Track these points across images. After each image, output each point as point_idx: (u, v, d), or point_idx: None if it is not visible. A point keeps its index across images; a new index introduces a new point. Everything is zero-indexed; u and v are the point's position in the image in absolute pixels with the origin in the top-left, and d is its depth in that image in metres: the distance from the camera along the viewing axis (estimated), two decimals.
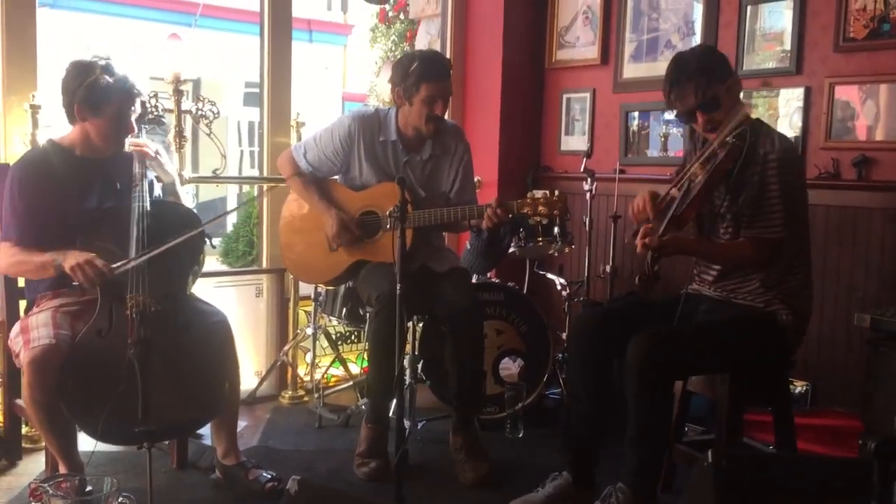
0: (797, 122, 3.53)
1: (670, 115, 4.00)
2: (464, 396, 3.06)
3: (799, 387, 3.41)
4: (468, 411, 3.09)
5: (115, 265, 2.40)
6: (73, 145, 2.63)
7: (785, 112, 3.56)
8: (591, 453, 2.65)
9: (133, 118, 2.64)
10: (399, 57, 3.15)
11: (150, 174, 2.71)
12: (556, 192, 2.89)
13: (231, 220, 9.41)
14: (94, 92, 2.55)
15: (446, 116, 4.42)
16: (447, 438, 3.07)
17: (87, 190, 2.62)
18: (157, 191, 2.77)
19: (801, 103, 3.52)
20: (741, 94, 2.65)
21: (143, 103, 2.71)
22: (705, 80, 2.48)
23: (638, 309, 2.65)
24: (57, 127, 2.77)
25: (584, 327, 2.68)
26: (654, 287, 2.35)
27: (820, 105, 3.46)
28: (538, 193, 2.91)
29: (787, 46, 3.56)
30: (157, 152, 2.74)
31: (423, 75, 2.96)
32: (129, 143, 2.67)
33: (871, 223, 3.31)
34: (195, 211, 2.98)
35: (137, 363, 2.27)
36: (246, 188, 8.59)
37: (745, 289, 2.54)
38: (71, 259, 2.40)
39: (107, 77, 2.56)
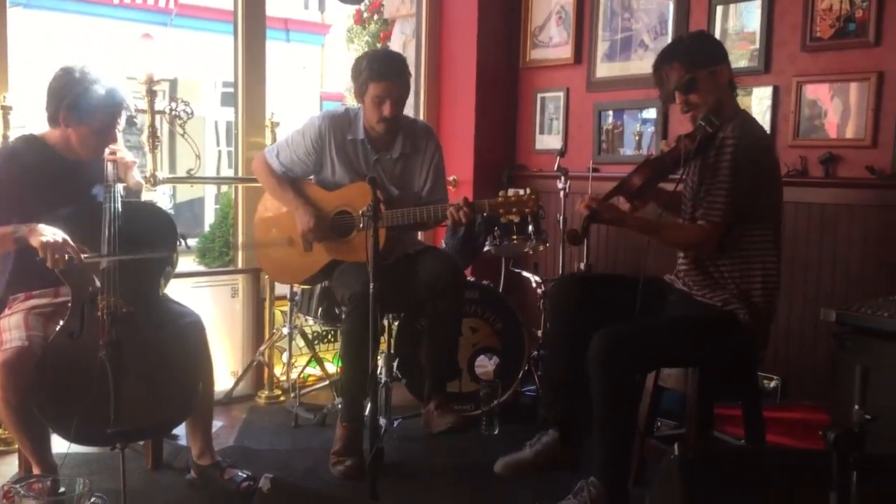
0: (769, 119, 3.58)
1: (646, 114, 4.07)
2: (439, 367, 3.12)
3: (769, 381, 3.47)
4: (443, 381, 3.14)
5: (84, 255, 2.38)
6: (53, 143, 2.63)
7: (758, 110, 3.60)
8: (574, 408, 2.65)
9: (117, 129, 2.64)
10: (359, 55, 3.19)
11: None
12: (528, 190, 2.91)
13: (208, 221, 9.35)
14: (83, 102, 2.54)
15: (421, 116, 4.47)
16: (422, 435, 3.09)
17: (61, 189, 2.60)
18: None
19: (770, 101, 3.57)
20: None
21: (129, 116, 2.71)
22: (687, 61, 2.54)
23: (616, 279, 2.80)
24: (30, 128, 2.76)
25: (564, 283, 2.88)
26: (580, 243, 2.58)
27: (788, 104, 3.51)
28: (510, 192, 2.93)
29: (758, 46, 3.61)
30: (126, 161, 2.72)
31: (371, 75, 2.98)
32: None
33: (838, 219, 3.36)
34: (170, 211, 2.98)
35: (109, 364, 2.27)
36: (224, 188, 8.56)
37: (704, 284, 2.57)
38: (41, 235, 2.34)
39: (98, 90, 2.56)
